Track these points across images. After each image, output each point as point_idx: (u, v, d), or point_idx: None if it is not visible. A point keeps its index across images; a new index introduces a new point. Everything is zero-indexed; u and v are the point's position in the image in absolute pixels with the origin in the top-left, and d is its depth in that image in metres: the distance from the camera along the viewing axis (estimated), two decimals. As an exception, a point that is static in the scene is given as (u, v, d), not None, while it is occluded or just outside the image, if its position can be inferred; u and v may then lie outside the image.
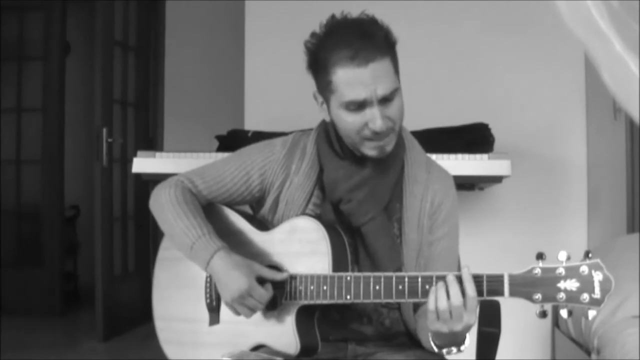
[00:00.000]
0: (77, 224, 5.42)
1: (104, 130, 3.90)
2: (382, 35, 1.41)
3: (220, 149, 2.82)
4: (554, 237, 3.00)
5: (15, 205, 4.80)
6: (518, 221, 3.05)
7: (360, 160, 1.49)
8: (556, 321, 2.90)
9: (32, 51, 4.76)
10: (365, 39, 1.38)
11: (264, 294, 1.42)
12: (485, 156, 2.52)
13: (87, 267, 4.97)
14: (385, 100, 1.40)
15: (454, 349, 1.37)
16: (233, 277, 1.41)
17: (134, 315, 4.05)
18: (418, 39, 2.99)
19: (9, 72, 4.75)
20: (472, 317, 1.28)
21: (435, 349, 1.38)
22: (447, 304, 1.27)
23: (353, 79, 1.38)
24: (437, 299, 1.28)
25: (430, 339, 1.38)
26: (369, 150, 1.45)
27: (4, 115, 4.75)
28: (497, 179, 2.57)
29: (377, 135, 1.42)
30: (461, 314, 1.27)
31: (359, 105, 1.40)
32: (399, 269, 1.46)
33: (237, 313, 1.46)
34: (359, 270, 1.45)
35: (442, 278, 1.31)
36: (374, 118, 1.40)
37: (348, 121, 1.43)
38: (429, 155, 1.62)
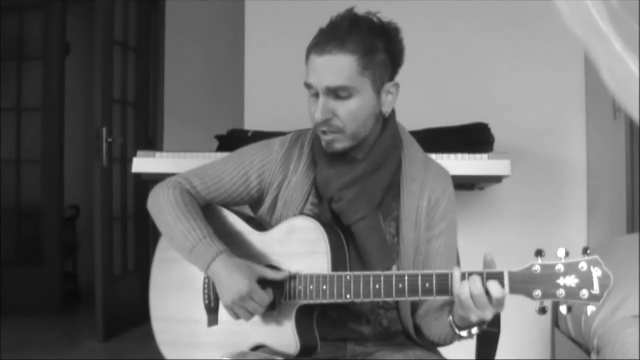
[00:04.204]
0: (77, 224, 5.42)
1: (104, 130, 3.90)
2: (358, 36, 1.40)
3: (220, 149, 2.82)
4: (554, 237, 3.00)
5: (15, 205, 4.80)
6: (518, 221, 3.05)
7: (352, 159, 1.49)
8: (556, 321, 2.90)
9: (32, 51, 4.77)
10: (333, 32, 1.41)
11: (265, 297, 1.42)
12: (485, 156, 2.52)
13: (87, 267, 4.97)
14: (334, 95, 1.41)
15: (475, 330, 1.34)
16: (234, 279, 1.41)
17: (134, 315, 4.05)
18: (418, 38, 2.97)
19: (9, 72, 4.75)
20: (499, 308, 1.29)
21: (456, 330, 1.35)
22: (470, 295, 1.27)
23: (311, 65, 1.43)
24: (472, 290, 1.27)
25: (452, 319, 1.35)
26: (322, 142, 1.48)
27: (4, 115, 4.75)
28: (497, 179, 2.57)
29: (318, 126, 1.45)
30: (486, 305, 1.27)
31: (315, 94, 1.43)
32: (389, 269, 1.45)
33: (237, 316, 1.45)
34: (350, 270, 1.44)
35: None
36: (317, 108, 1.43)
37: (309, 108, 1.47)
38: (428, 155, 1.61)
